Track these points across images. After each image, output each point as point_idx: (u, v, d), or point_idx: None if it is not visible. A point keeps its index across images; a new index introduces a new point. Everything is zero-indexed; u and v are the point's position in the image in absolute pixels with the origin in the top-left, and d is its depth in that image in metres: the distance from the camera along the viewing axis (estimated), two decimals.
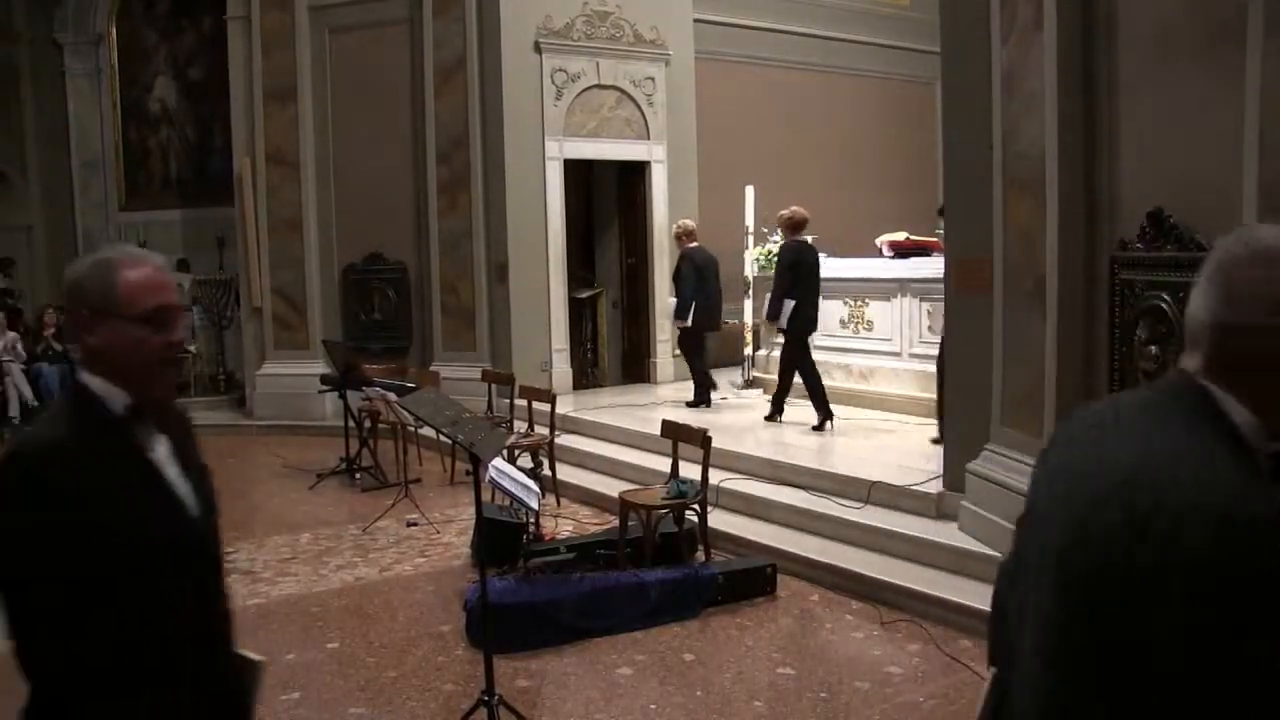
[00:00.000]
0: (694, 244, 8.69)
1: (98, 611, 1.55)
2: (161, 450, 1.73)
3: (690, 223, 8.95)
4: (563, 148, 9.82)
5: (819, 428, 7.49)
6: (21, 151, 12.63)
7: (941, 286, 6.05)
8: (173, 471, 1.73)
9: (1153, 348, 3.94)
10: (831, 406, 7.50)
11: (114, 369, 1.67)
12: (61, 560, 1.52)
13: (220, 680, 1.75)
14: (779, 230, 8.50)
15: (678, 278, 8.75)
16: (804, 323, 7.66)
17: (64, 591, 1.53)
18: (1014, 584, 1.44)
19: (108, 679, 1.56)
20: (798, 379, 7.64)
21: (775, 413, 7.88)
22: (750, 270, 9.58)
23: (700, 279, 8.53)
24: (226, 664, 1.79)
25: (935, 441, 6.54)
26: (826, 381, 7.65)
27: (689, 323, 8.59)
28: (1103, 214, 4.45)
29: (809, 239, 7.97)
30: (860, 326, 8.63)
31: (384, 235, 10.47)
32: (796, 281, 7.62)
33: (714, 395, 8.83)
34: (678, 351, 9.65)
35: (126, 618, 1.58)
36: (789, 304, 7.59)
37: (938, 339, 6.94)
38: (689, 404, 8.67)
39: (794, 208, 7.93)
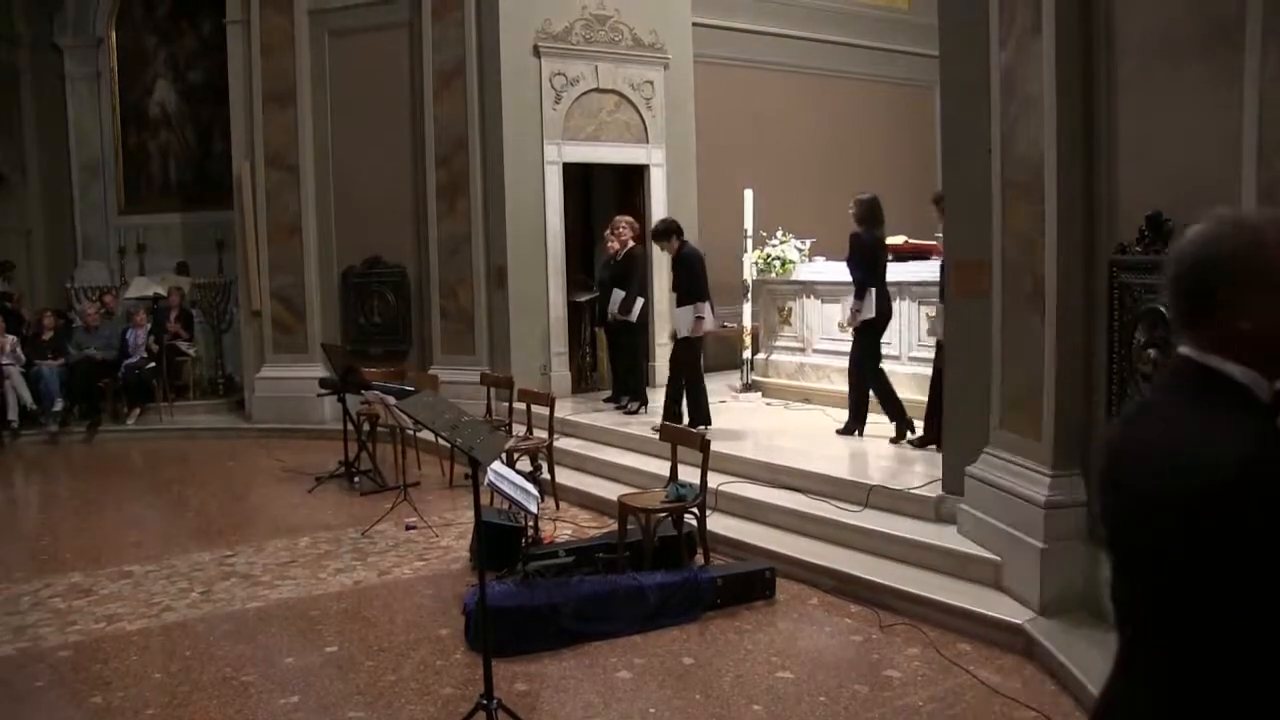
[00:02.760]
0: (636, 243, 8.80)
1: None
2: None
3: (634, 221, 9.03)
4: (562, 151, 9.82)
5: (634, 411, 8.57)
6: (21, 155, 12.63)
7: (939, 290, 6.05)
8: None
9: (1151, 351, 3.93)
10: (830, 409, 7.48)
11: (1269, 351, 1.43)
12: None
13: None
14: (617, 237, 8.71)
15: (628, 274, 8.66)
16: (646, 315, 8.89)
17: None
18: None
19: None
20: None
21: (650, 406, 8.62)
22: (749, 274, 9.57)
23: (642, 277, 8.82)
24: None
25: (893, 441, 6.98)
26: (826, 384, 7.73)
27: (634, 319, 8.58)
28: (1101, 217, 4.45)
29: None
30: None
31: (383, 239, 10.47)
32: (644, 280, 8.81)
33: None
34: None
35: None
36: (640, 301, 8.57)
37: (934, 342, 6.98)
38: (627, 410, 8.63)
39: (627, 219, 8.91)
